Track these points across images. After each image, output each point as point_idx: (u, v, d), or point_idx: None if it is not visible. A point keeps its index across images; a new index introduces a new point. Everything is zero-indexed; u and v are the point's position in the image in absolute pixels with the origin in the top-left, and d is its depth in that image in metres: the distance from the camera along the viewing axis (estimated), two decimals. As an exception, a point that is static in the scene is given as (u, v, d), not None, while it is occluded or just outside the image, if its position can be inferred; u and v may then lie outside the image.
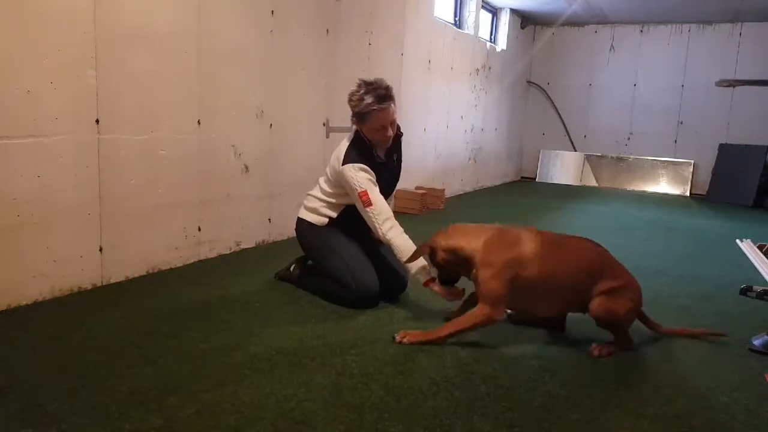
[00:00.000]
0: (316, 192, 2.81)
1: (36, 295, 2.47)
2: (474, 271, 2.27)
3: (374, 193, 2.56)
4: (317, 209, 2.78)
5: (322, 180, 2.79)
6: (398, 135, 2.74)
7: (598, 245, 2.34)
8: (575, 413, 1.77)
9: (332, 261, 2.67)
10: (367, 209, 2.55)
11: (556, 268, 2.23)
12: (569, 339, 2.37)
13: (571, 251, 2.29)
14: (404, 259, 2.48)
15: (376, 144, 2.66)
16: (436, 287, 2.47)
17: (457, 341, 2.26)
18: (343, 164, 2.58)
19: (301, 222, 2.84)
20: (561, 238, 2.35)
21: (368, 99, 2.51)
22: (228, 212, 3.45)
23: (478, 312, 2.22)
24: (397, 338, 2.24)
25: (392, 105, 2.57)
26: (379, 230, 2.55)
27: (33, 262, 2.45)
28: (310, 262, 2.93)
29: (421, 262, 2.50)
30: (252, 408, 1.69)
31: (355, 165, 2.56)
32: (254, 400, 1.73)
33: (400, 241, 2.53)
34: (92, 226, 2.67)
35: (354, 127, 2.69)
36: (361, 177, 2.55)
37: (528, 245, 2.24)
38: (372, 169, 2.60)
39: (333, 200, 2.74)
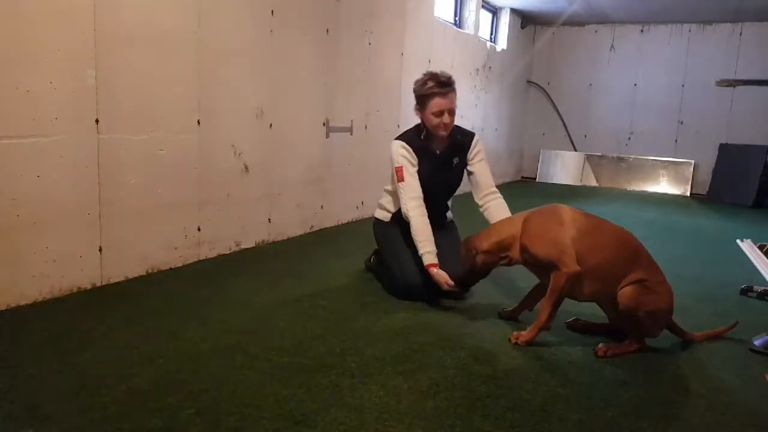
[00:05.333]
0: (385, 186, 3.05)
1: (36, 295, 2.47)
2: (525, 253, 2.28)
3: (408, 172, 2.76)
4: (383, 204, 3.04)
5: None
6: (462, 137, 2.90)
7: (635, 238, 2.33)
8: (575, 413, 1.76)
9: (388, 253, 2.93)
10: (399, 184, 2.77)
11: (597, 240, 2.23)
12: (570, 339, 2.36)
13: (612, 228, 2.29)
14: (417, 239, 2.67)
15: (434, 135, 2.80)
16: (437, 271, 2.59)
17: (456, 341, 2.26)
18: (394, 139, 2.84)
19: (374, 218, 3.13)
20: (598, 218, 2.32)
21: (430, 83, 2.71)
22: (228, 212, 3.45)
23: (557, 278, 2.20)
24: (512, 340, 2.27)
25: (453, 94, 2.74)
26: (404, 206, 2.75)
27: (32, 262, 2.45)
28: None
29: (431, 246, 2.66)
30: (252, 408, 1.68)
31: (401, 142, 2.80)
32: (254, 400, 1.73)
33: (418, 221, 2.70)
34: (92, 226, 2.67)
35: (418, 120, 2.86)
36: (401, 153, 2.78)
37: (567, 213, 2.27)
38: (417, 154, 2.79)
39: (390, 188, 2.97)
